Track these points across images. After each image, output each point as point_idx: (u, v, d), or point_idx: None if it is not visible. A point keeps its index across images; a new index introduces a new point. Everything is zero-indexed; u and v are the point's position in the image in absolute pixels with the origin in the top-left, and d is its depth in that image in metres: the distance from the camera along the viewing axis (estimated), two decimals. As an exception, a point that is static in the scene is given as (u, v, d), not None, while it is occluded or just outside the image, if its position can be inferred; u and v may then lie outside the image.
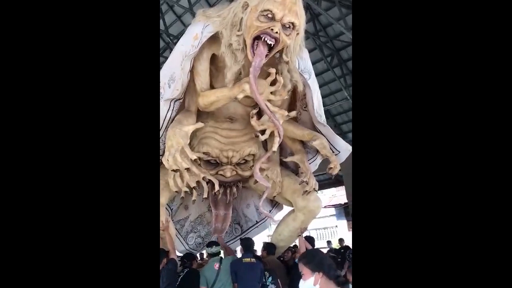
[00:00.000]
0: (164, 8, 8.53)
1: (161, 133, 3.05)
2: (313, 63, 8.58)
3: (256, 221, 4.08)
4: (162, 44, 9.65)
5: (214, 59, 2.93)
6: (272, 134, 2.96)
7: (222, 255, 3.53)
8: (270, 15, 2.35)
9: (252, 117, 2.89)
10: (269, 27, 2.38)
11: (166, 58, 9.78)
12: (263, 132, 2.94)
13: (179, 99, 3.01)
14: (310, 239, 3.71)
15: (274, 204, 4.18)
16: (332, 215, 15.59)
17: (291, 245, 4.01)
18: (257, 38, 2.46)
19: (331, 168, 3.21)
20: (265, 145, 3.54)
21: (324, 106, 3.72)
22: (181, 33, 8.78)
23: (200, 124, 2.91)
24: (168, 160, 2.67)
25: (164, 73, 2.97)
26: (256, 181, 3.25)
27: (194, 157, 2.68)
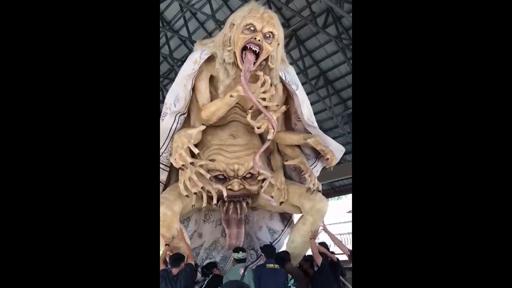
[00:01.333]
0: (169, 34, 9.61)
1: (167, 143, 3.40)
2: (336, 66, 9.62)
3: (270, 242, 4.03)
4: (167, 67, 10.72)
5: (212, 81, 3.39)
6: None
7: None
8: (252, 28, 2.94)
9: (247, 114, 3.23)
10: (253, 37, 2.94)
11: (171, 80, 10.94)
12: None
13: (184, 113, 3.40)
14: (323, 245, 3.73)
15: (286, 223, 4.28)
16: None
17: (306, 254, 3.88)
18: (244, 48, 2.99)
19: (328, 159, 3.47)
20: (269, 163, 3.87)
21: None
22: (184, 56, 10.00)
23: (202, 127, 3.25)
24: (175, 158, 3.05)
25: (170, 96, 3.44)
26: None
27: (197, 151, 3.11)
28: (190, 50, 9.87)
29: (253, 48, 2.98)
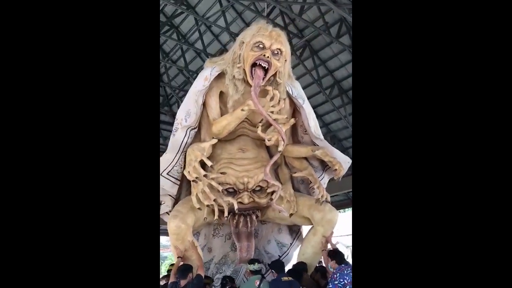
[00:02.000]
0: (184, 47, 9.83)
1: (177, 156, 3.53)
2: (350, 75, 9.36)
3: (279, 255, 4.09)
4: (182, 79, 10.97)
5: (221, 97, 3.53)
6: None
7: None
8: (261, 45, 3.11)
9: (257, 127, 3.36)
10: (262, 54, 3.10)
11: (186, 91, 11.11)
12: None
13: (194, 127, 3.54)
14: (338, 253, 3.44)
15: (295, 236, 4.30)
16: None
17: (318, 265, 3.92)
18: (253, 65, 3.14)
19: (336, 170, 3.52)
20: (277, 176, 3.90)
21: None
22: (199, 68, 10.19)
23: (214, 140, 3.38)
24: (189, 171, 3.19)
25: (181, 111, 3.55)
26: (273, 210, 3.67)
27: (210, 163, 3.26)
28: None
29: (262, 64, 3.13)
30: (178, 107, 12.15)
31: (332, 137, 9.94)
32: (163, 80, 10.91)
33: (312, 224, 3.70)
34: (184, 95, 11.85)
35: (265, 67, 3.14)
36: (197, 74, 10.27)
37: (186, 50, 9.80)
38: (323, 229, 3.56)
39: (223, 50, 9.41)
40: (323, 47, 8.95)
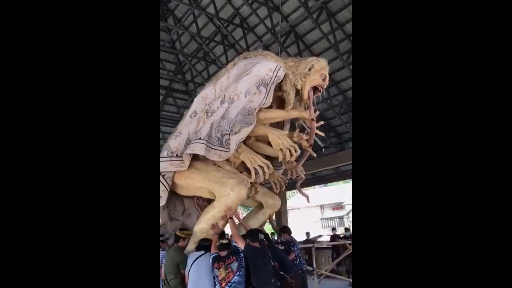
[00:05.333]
0: (196, 12, 9.39)
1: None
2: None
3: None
4: (195, 46, 10.74)
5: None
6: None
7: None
8: (323, 77, 4.02)
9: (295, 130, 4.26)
10: (323, 83, 4.06)
11: (198, 58, 10.87)
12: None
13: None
14: (286, 229, 5.19)
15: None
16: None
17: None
18: (314, 88, 4.02)
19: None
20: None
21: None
22: (211, 34, 9.96)
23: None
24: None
25: (242, 85, 3.88)
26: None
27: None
28: (218, 28, 9.95)
29: (319, 88, 4.06)
30: (191, 74, 11.97)
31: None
32: (176, 47, 10.72)
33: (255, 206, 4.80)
34: (197, 62, 11.57)
35: (320, 90, 4.09)
36: (209, 41, 10.05)
37: (198, 15, 9.52)
38: (270, 211, 4.81)
39: (236, 14, 9.12)
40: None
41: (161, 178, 3.95)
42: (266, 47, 9.22)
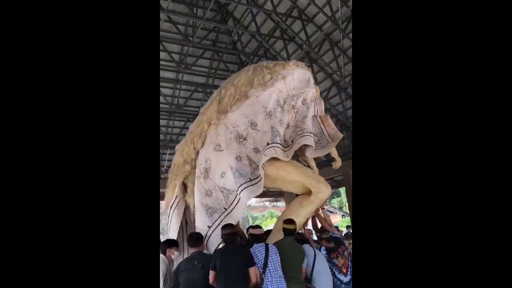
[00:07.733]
0: (254, 10, 9.56)
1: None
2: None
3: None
4: (255, 44, 10.88)
5: None
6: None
7: None
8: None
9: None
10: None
11: (260, 56, 10.89)
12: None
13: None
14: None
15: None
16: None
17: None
18: None
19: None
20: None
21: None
22: (271, 31, 10.03)
23: None
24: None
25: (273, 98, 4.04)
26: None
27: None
28: (277, 23, 9.96)
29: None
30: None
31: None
32: (237, 48, 10.99)
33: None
34: (259, 60, 11.67)
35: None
36: (269, 37, 10.05)
37: (256, 13, 9.62)
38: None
39: (294, 7, 9.01)
40: None
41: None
42: (327, 36, 8.97)
